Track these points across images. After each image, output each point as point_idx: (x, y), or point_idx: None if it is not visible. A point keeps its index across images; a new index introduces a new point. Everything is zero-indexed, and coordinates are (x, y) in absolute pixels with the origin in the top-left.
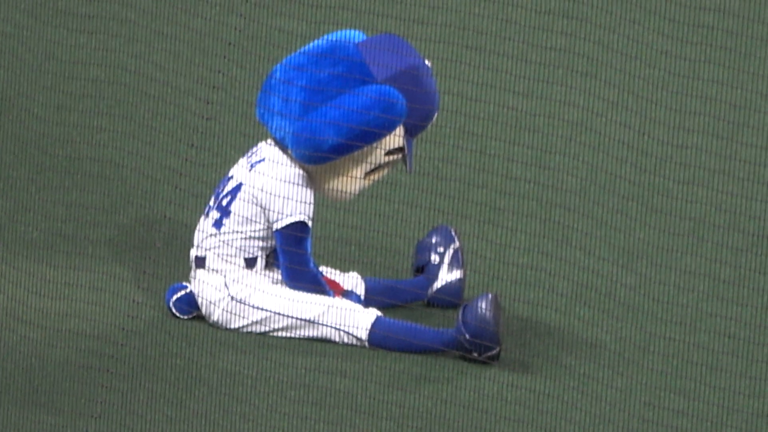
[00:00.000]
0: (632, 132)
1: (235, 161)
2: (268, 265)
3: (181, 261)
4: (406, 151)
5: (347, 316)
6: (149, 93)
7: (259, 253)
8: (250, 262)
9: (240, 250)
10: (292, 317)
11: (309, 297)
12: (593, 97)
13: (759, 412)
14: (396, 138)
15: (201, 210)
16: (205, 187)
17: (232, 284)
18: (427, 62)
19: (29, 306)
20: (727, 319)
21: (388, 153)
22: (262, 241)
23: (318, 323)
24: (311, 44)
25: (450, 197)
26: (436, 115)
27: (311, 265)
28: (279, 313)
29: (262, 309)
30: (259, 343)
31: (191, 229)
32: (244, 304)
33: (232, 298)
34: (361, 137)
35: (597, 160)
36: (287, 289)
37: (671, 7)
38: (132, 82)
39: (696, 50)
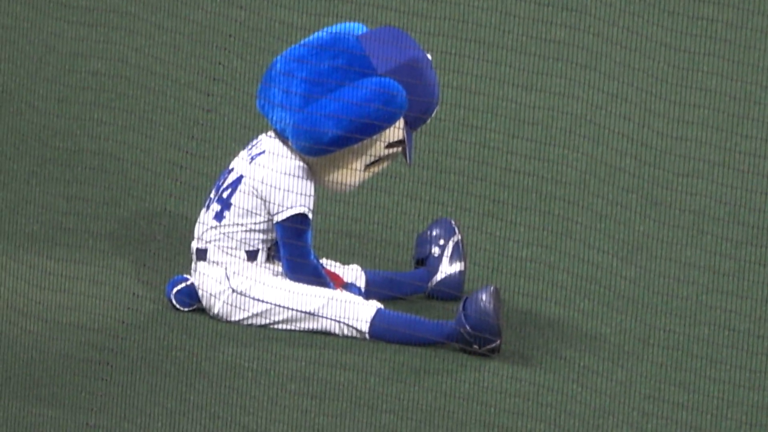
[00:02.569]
0: (632, 124)
1: (235, 153)
2: (270, 258)
3: (181, 254)
4: (406, 143)
5: (348, 309)
6: (150, 86)
7: (261, 245)
8: (252, 255)
9: (241, 242)
10: (293, 309)
11: (310, 289)
12: (593, 89)
13: (759, 404)
14: (396, 130)
15: (201, 203)
16: (205, 179)
17: (233, 276)
18: (428, 55)
19: (30, 298)
20: (727, 311)
21: (389, 146)
22: (263, 233)
23: (319, 315)
24: (312, 36)
25: (450, 190)
26: (437, 107)
27: (311, 257)
28: (280, 306)
29: (263, 301)
30: (260, 336)
31: (192, 222)
32: (245, 296)
33: (233, 290)
34: (361, 130)
35: (597, 152)
36: (288, 281)
37: (670, 0)
38: (133, 75)
39: (696, 42)
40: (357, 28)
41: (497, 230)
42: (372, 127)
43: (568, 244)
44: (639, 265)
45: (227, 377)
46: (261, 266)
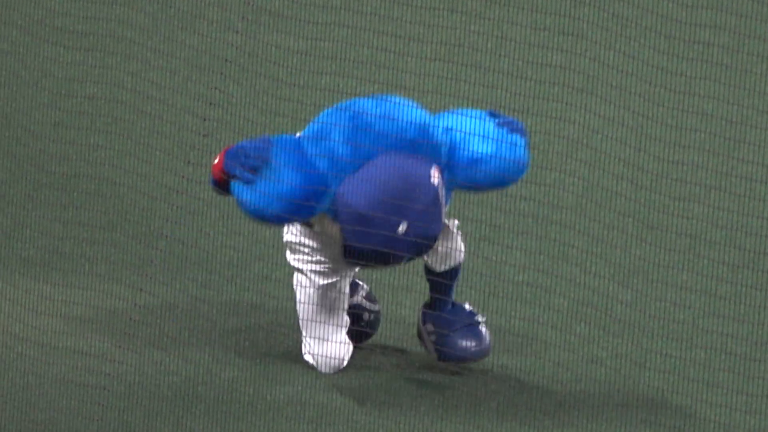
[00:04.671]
0: (629, 148)
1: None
2: None
3: (177, 279)
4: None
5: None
6: (146, 110)
7: None
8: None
9: None
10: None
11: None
12: (590, 113)
13: (757, 428)
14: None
15: (198, 228)
16: (202, 204)
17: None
18: (402, 227)
19: (26, 323)
20: (724, 335)
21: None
22: None
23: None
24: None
25: (448, 215)
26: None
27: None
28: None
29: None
30: (256, 360)
31: (188, 246)
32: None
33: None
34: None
35: (594, 176)
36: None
37: (667, 24)
38: (129, 100)
39: (692, 66)
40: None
41: (494, 254)
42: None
43: (564, 268)
44: (635, 288)
45: (223, 401)
46: None
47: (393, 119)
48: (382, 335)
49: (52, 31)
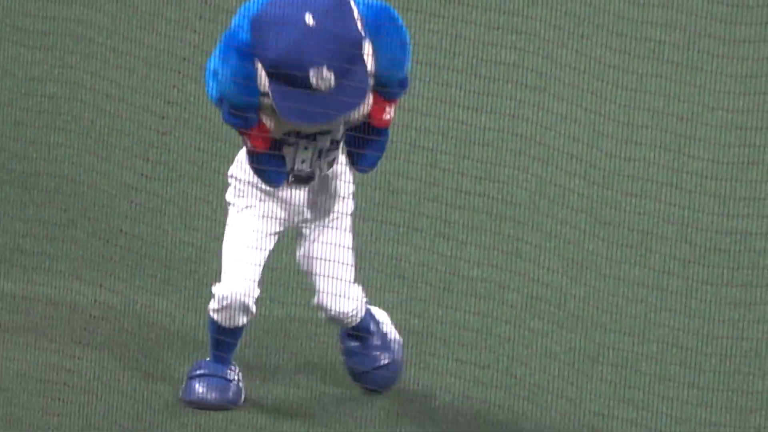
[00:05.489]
0: (581, 145)
1: (190, 175)
2: None
3: (137, 275)
4: (270, 96)
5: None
6: (105, 109)
7: None
8: None
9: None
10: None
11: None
12: (542, 110)
13: (707, 421)
14: (263, 77)
15: (157, 224)
16: (161, 201)
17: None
18: (309, 21)
19: None
20: (675, 329)
21: (264, 95)
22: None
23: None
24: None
25: (402, 210)
26: (308, 69)
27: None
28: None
29: None
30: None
31: (147, 242)
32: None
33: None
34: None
35: (546, 173)
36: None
37: (619, 22)
38: (88, 98)
39: (643, 64)
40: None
41: (448, 250)
42: (225, 69)
43: (518, 264)
44: (588, 284)
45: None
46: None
47: None
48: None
49: (11, 30)
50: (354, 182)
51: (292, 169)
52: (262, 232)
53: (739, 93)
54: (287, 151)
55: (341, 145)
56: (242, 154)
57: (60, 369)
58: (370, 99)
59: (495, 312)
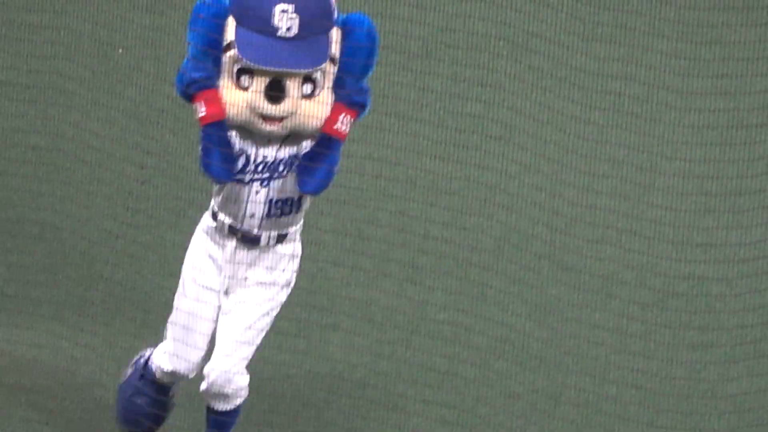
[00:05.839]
0: (544, 193)
1: (168, 222)
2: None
3: (117, 318)
4: (235, 42)
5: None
6: (87, 159)
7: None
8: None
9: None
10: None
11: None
12: (507, 160)
13: None
14: (229, 30)
15: (136, 270)
16: (140, 248)
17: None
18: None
19: None
20: (634, 371)
21: (226, 47)
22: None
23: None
24: None
25: (372, 256)
26: (272, 7)
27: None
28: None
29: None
30: (191, 394)
31: (127, 287)
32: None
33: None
34: (190, 37)
35: (511, 220)
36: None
37: (581, 75)
38: (70, 149)
39: (604, 116)
40: None
41: (416, 295)
42: (193, 35)
43: (483, 308)
44: (551, 326)
45: None
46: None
47: None
48: (309, 372)
49: None
50: (300, 260)
51: (242, 221)
52: (204, 286)
53: (695, 143)
54: (240, 191)
55: (295, 223)
56: (206, 214)
57: (43, 409)
58: (328, 109)
59: (461, 354)
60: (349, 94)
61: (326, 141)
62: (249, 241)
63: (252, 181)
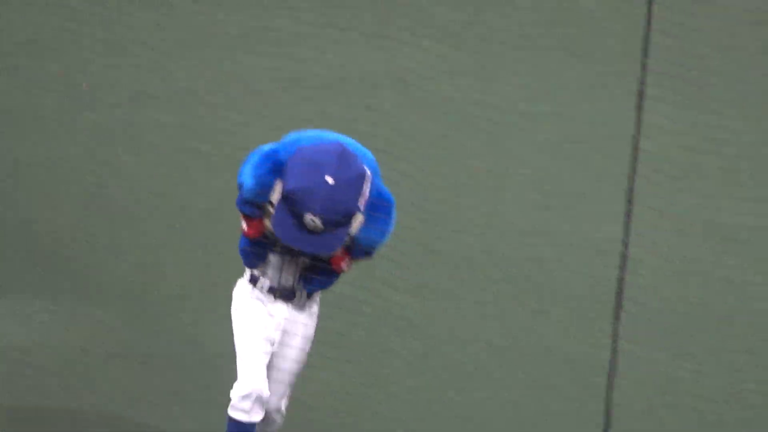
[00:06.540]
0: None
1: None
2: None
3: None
4: (272, 210)
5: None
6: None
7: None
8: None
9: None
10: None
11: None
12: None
13: None
14: (276, 194)
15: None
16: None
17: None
18: (329, 180)
19: None
20: None
21: (269, 203)
22: None
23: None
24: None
25: None
26: (307, 211)
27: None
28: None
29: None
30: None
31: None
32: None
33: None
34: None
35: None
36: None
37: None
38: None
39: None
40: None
41: None
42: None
43: None
44: None
45: None
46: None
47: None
48: None
49: None
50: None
51: (279, 283)
52: (261, 325)
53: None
54: (274, 262)
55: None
56: (242, 281)
57: None
58: (340, 248)
59: None
60: (357, 252)
61: (328, 268)
62: (285, 296)
63: (282, 254)
